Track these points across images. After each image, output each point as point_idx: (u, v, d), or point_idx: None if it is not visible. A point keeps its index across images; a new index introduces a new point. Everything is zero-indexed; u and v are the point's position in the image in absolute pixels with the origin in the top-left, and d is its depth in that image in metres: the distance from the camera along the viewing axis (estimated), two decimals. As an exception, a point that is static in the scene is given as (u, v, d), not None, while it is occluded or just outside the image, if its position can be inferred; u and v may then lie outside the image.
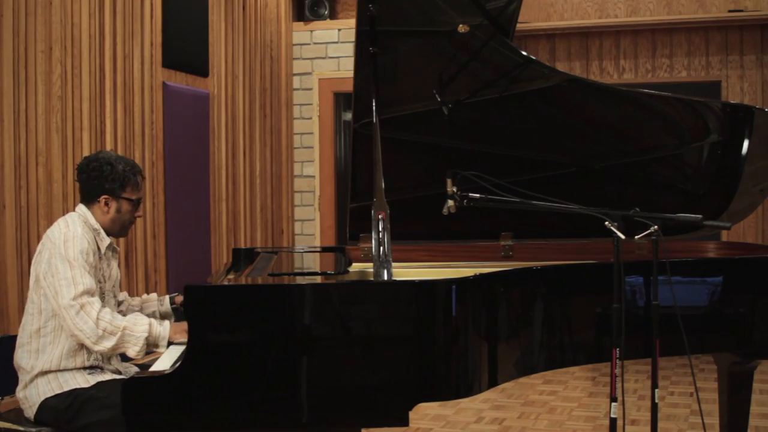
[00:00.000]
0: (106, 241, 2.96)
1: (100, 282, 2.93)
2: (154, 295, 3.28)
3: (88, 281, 2.76)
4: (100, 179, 2.91)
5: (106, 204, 2.93)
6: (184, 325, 2.82)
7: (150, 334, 2.78)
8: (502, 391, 5.20)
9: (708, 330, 3.12)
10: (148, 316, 3.13)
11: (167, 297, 3.26)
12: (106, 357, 2.91)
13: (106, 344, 2.73)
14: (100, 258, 2.94)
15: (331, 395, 2.46)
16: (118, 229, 2.98)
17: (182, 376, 2.42)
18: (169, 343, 2.83)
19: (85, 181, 2.94)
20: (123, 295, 3.21)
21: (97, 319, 2.71)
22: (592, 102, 3.46)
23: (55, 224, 2.89)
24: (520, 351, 2.80)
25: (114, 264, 3.07)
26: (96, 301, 2.76)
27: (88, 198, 2.95)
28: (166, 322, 2.85)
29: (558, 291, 2.91)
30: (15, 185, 4.26)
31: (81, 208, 2.95)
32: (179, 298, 3.24)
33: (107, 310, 2.78)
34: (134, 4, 5.28)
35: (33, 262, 2.88)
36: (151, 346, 2.81)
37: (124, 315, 3.11)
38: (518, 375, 2.82)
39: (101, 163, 2.92)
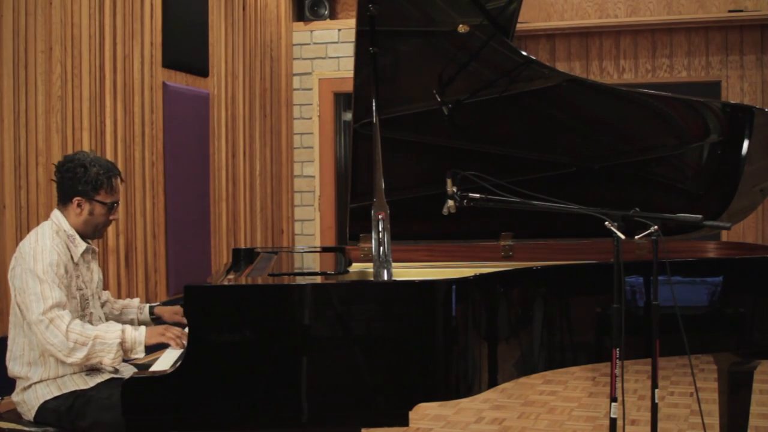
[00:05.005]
0: (81, 247, 2.91)
1: (80, 289, 2.90)
2: (135, 301, 3.26)
3: (57, 295, 2.72)
4: (73, 181, 2.86)
5: (79, 206, 2.88)
6: (161, 328, 2.84)
7: (124, 339, 2.75)
8: (502, 391, 5.20)
9: (708, 330, 3.12)
10: (126, 323, 3.11)
11: (147, 306, 3.24)
12: None
13: (78, 355, 2.70)
14: (76, 265, 2.89)
15: (331, 395, 2.46)
16: (91, 231, 2.93)
17: (182, 376, 2.41)
18: (147, 349, 2.80)
19: (59, 182, 2.90)
20: (106, 295, 3.18)
21: (67, 331, 2.69)
22: (592, 102, 3.46)
23: (27, 237, 2.84)
24: (520, 351, 2.80)
25: (94, 266, 3.03)
26: (66, 314, 2.72)
27: (63, 199, 2.91)
28: (142, 327, 2.82)
29: (558, 291, 2.90)
30: (15, 185, 4.26)
31: (56, 214, 2.90)
32: (159, 309, 3.22)
33: (78, 321, 2.74)
34: (134, 4, 5.28)
35: (9, 276, 2.84)
36: (127, 353, 2.78)
37: (107, 316, 3.10)
38: (518, 375, 2.82)
39: (75, 164, 2.86)
